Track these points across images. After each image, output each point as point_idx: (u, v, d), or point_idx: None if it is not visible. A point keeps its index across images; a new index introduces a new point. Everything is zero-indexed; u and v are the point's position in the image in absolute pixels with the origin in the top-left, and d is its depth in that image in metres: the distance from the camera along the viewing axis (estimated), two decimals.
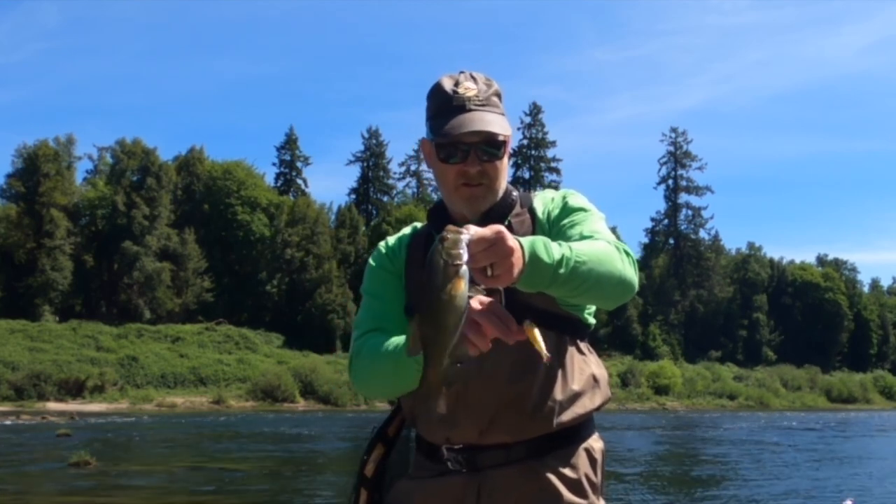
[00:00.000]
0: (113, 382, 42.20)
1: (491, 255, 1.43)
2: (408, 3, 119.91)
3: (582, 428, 1.86)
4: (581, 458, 1.85)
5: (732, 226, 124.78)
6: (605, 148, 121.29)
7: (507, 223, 1.83)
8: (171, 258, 55.31)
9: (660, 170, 79.49)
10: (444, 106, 1.80)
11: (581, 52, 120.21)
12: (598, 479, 1.87)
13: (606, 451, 1.95)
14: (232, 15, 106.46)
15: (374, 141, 73.53)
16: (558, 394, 1.80)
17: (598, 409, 1.88)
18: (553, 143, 74.09)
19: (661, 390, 58.66)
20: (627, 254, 1.70)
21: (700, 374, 63.39)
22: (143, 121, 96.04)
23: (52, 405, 37.63)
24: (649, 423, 33.26)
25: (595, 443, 1.90)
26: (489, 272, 1.44)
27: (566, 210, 1.86)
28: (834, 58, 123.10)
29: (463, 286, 1.41)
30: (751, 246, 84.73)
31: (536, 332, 1.56)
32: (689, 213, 79.34)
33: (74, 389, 40.51)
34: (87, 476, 12.72)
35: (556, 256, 1.53)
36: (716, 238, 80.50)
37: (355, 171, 75.29)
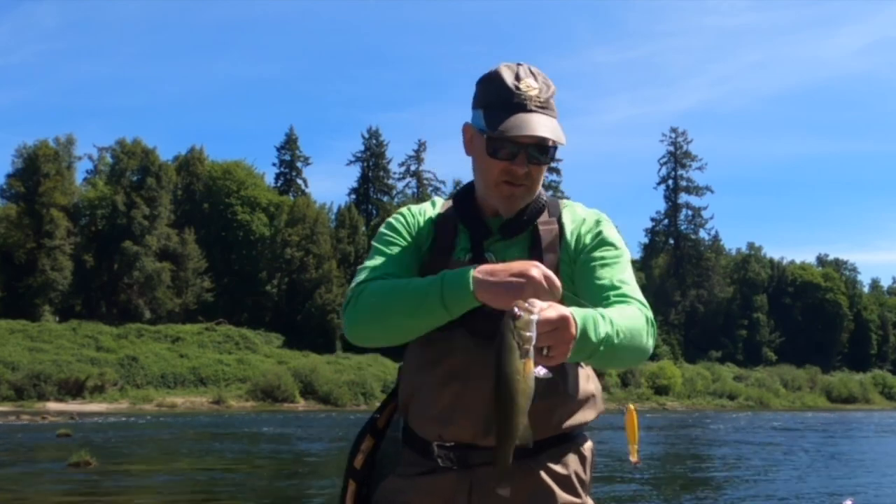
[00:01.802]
0: (113, 382, 42.19)
1: (553, 338, 1.45)
2: (407, 4, 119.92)
3: (573, 431, 1.88)
4: (572, 457, 1.85)
5: (732, 226, 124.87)
6: (605, 148, 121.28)
7: (533, 227, 1.83)
8: (171, 258, 55.31)
9: (660, 170, 79.58)
10: (503, 100, 1.76)
11: (579, 53, 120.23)
12: (587, 477, 1.88)
13: (596, 450, 1.95)
14: (232, 15, 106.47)
15: (374, 141, 73.54)
16: (559, 405, 1.81)
17: (593, 421, 1.91)
18: None
19: (661, 390, 58.65)
20: (653, 324, 1.75)
21: (700, 374, 63.37)
22: (143, 121, 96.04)
23: (52, 405, 37.62)
24: (649, 423, 33.26)
25: (584, 441, 1.91)
26: (545, 352, 1.46)
27: (598, 242, 1.84)
28: (831, 59, 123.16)
29: (531, 367, 1.43)
30: (751, 246, 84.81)
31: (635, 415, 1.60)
32: (689, 213, 79.41)
33: (74, 389, 40.49)
34: (87, 476, 12.72)
35: (602, 335, 1.57)
36: (716, 238, 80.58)
37: (355, 171, 75.25)
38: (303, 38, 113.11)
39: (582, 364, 1.87)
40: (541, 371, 1.46)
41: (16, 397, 38.51)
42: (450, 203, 1.93)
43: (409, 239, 1.87)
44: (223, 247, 58.93)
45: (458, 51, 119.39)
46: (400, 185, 74.79)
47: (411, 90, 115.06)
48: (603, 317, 1.59)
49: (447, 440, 1.79)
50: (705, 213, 79.23)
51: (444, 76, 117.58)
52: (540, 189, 1.88)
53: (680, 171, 78.99)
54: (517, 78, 1.78)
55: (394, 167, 74.30)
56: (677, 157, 78.91)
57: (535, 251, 1.81)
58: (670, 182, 79.30)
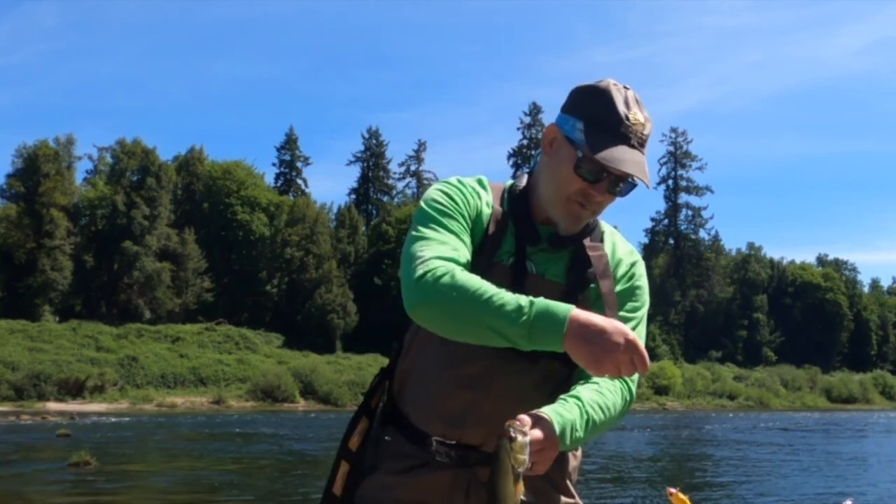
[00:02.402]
0: (113, 382, 42.19)
1: (539, 456, 1.52)
2: (407, 4, 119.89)
3: None
4: (565, 460, 1.86)
5: (732, 226, 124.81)
6: None
7: (581, 245, 1.81)
8: (171, 258, 55.31)
9: (660, 170, 79.53)
10: (610, 125, 1.71)
11: (579, 54, 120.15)
12: (575, 477, 1.92)
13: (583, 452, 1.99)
14: (232, 15, 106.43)
15: (374, 141, 73.56)
16: None
17: None
18: None
19: (661, 390, 58.65)
20: (631, 401, 1.79)
21: (700, 374, 63.35)
22: (143, 121, 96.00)
23: (52, 405, 37.62)
24: (649, 424, 33.26)
25: None
26: (528, 465, 1.51)
27: (629, 291, 1.87)
28: (831, 59, 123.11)
29: (522, 489, 1.48)
30: (751, 246, 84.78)
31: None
32: (689, 213, 79.39)
33: (74, 389, 40.49)
34: (87, 476, 12.72)
35: (575, 438, 1.62)
36: (716, 238, 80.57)
37: (355, 172, 75.30)
38: (303, 38, 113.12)
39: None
40: (521, 498, 1.49)
41: (16, 397, 38.51)
42: (499, 193, 1.84)
43: (467, 219, 1.76)
44: (223, 247, 58.93)
45: (458, 51, 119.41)
46: (400, 185, 74.86)
47: (411, 90, 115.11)
48: (581, 416, 1.63)
49: (451, 439, 1.77)
50: (705, 213, 79.30)
51: (444, 76, 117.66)
52: None
53: (680, 171, 79.04)
54: (627, 106, 1.74)
55: (394, 167, 74.35)
56: (677, 157, 78.92)
57: (577, 272, 1.79)
58: (670, 182, 79.33)
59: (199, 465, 15.04)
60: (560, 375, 1.79)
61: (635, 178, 1.74)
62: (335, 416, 36.76)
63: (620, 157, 1.70)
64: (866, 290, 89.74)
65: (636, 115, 1.75)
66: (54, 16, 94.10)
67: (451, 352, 1.76)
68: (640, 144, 1.74)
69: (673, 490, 1.67)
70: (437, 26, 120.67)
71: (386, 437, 1.85)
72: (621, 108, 1.73)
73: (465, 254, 1.70)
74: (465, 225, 1.75)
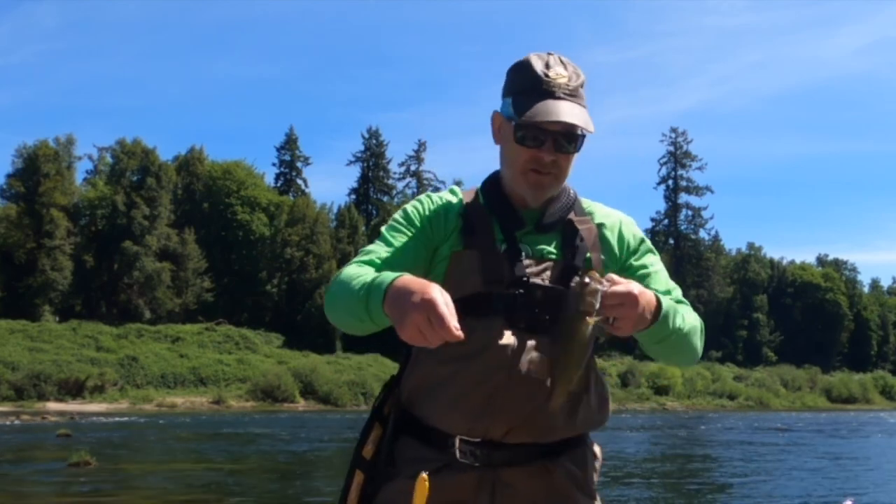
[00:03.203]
0: (113, 382, 42.18)
1: (618, 311, 1.57)
2: (407, 4, 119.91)
3: (591, 431, 1.91)
4: (588, 460, 1.87)
5: (732, 226, 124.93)
6: (605, 149, 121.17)
7: (569, 221, 1.83)
8: (171, 258, 55.31)
9: (660, 170, 79.63)
10: (531, 87, 1.75)
11: (579, 54, 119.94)
12: (597, 478, 1.92)
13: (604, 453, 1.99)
14: (232, 15, 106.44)
15: (374, 141, 73.55)
16: (586, 404, 1.82)
17: (605, 424, 1.92)
18: None
19: (661, 390, 58.65)
20: (703, 330, 1.88)
21: (700, 374, 63.34)
22: (143, 121, 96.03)
23: (52, 405, 37.61)
24: (649, 424, 33.26)
25: (595, 445, 1.93)
26: (611, 321, 1.60)
27: (640, 249, 1.91)
28: (831, 59, 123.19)
29: (592, 331, 1.59)
30: (751, 246, 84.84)
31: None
32: (689, 213, 79.44)
33: (74, 389, 40.49)
34: (87, 476, 12.71)
35: (677, 325, 1.72)
36: (716, 238, 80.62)
37: (355, 172, 75.28)
38: (303, 38, 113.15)
39: (595, 361, 1.88)
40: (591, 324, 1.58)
41: (16, 397, 38.50)
42: (473, 193, 1.89)
43: (421, 230, 1.82)
44: (223, 247, 58.93)
45: (458, 51, 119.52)
46: (400, 185, 74.85)
47: (411, 90, 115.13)
48: (678, 311, 1.73)
49: (475, 436, 1.74)
50: (705, 213, 79.37)
51: (444, 76, 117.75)
52: (568, 185, 1.88)
53: (680, 171, 79.08)
54: (547, 66, 1.76)
55: (394, 167, 74.38)
56: (677, 157, 78.94)
57: (569, 247, 1.81)
58: (670, 182, 79.37)
59: (199, 465, 15.04)
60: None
61: (581, 129, 1.75)
62: (335, 416, 36.76)
63: (546, 110, 1.71)
64: (866, 290, 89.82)
65: (557, 70, 1.76)
66: (54, 16, 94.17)
67: (463, 344, 1.69)
68: (570, 95, 1.74)
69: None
70: (437, 26, 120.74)
71: (403, 444, 1.82)
72: (539, 68, 1.76)
73: (398, 257, 1.77)
74: (414, 233, 1.81)
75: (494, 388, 1.72)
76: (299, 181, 70.88)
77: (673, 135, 79.16)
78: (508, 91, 1.80)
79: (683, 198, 79.28)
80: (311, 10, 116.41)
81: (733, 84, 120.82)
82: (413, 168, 74.44)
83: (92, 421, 29.65)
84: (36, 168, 52.79)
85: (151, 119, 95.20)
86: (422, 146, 74.84)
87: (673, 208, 79.42)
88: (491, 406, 1.73)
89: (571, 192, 1.88)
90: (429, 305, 1.47)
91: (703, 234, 79.81)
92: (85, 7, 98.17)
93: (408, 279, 1.55)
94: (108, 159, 58.70)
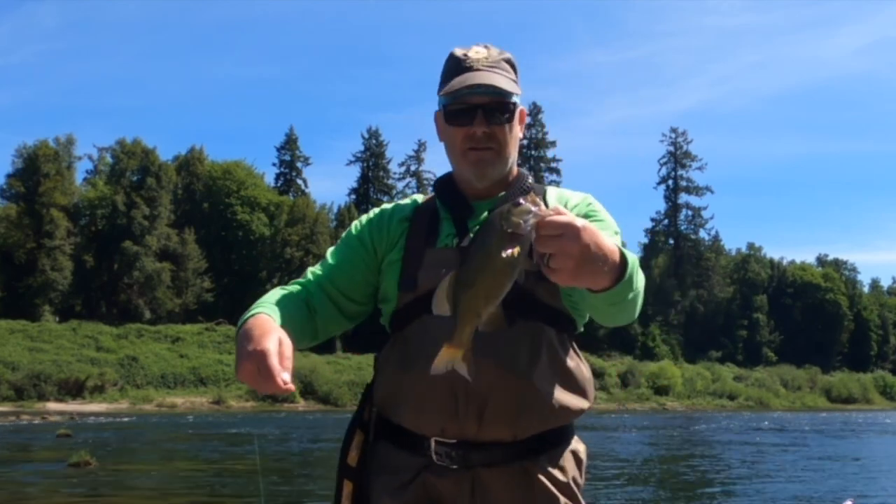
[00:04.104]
0: (113, 382, 42.19)
1: (554, 245, 1.32)
2: (407, 4, 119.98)
3: (568, 429, 1.83)
4: (569, 461, 1.81)
5: (732, 226, 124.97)
6: (605, 148, 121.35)
7: None
8: (171, 258, 55.31)
9: (660, 170, 79.57)
10: (452, 68, 1.77)
11: (579, 54, 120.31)
12: (582, 482, 1.84)
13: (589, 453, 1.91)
14: (232, 15, 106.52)
15: (374, 141, 73.55)
16: (559, 391, 1.75)
17: (586, 411, 1.84)
18: (553, 144, 74.18)
19: (661, 390, 58.62)
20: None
21: (700, 374, 63.35)
22: (143, 121, 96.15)
23: (52, 405, 37.62)
24: (649, 424, 33.26)
25: (579, 445, 1.86)
26: (546, 261, 1.33)
27: (589, 217, 1.81)
28: (831, 59, 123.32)
29: (515, 255, 1.31)
30: (751, 246, 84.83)
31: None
32: (689, 213, 79.40)
33: (74, 389, 40.49)
34: (87, 476, 12.71)
35: (639, 286, 1.54)
36: (716, 238, 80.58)
37: (355, 172, 75.27)
38: (303, 38, 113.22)
39: (574, 347, 1.82)
40: (514, 252, 1.32)
41: (16, 397, 38.51)
42: (432, 195, 1.90)
43: (360, 244, 1.85)
44: (223, 247, 58.93)
45: None
46: (400, 185, 74.81)
47: (411, 90, 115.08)
48: (638, 268, 1.53)
49: (450, 437, 1.72)
50: (705, 213, 79.32)
51: None
52: (522, 171, 1.86)
53: (680, 171, 79.04)
54: (467, 48, 1.80)
55: (394, 167, 74.36)
56: (677, 157, 78.91)
57: None
58: (670, 182, 79.32)
59: (199, 465, 15.03)
60: (550, 337, 1.74)
61: (510, 97, 1.74)
62: (335, 416, 36.77)
63: (462, 79, 1.73)
64: (866, 290, 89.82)
65: (476, 50, 1.78)
66: (54, 16, 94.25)
67: (412, 346, 1.74)
68: (489, 67, 1.75)
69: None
70: (437, 26, 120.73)
71: (384, 449, 1.81)
72: (459, 52, 1.79)
73: (337, 273, 1.83)
74: (355, 247, 1.85)
75: (457, 384, 1.65)
76: (299, 181, 70.92)
77: (673, 135, 79.21)
78: (440, 87, 1.80)
79: (683, 198, 79.33)
80: (311, 10, 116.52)
81: (733, 84, 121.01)
82: (413, 168, 74.48)
83: (92, 421, 29.65)
84: (36, 168, 52.79)
85: (151, 119, 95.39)
86: (422, 146, 74.84)
87: (673, 208, 79.39)
88: (459, 404, 1.69)
89: (529, 179, 1.86)
90: (260, 357, 1.47)
91: (703, 234, 79.90)
92: (85, 7, 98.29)
93: (257, 322, 1.58)
94: (108, 159, 58.73)
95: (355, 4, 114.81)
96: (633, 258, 1.48)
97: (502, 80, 1.73)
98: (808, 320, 78.49)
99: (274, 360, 1.46)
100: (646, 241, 79.43)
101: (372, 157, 73.26)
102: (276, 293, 1.78)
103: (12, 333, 44.83)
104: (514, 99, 1.77)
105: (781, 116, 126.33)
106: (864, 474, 14.75)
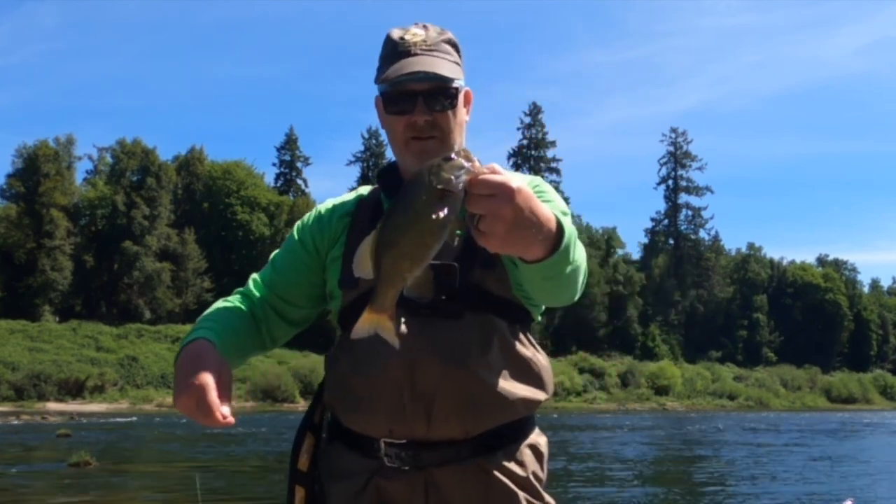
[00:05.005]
0: (113, 382, 42.21)
1: (486, 204, 1.22)
2: (407, 4, 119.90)
3: (526, 423, 1.74)
4: (527, 455, 1.72)
5: (732, 226, 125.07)
6: (605, 148, 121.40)
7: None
8: (171, 258, 55.33)
9: (660, 170, 79.61)
10: (388, 54, 1.67)
11: (578, 54, 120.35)
12: (544, 475, 1.75)
13: (550, 445, 1.82)
14: (232, 15, 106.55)
15: (374, 141, 73.56)
16: (513, 384, 1.66)
17: (543, 402, 1.75)
18: (553, 144, 74.19)
19: (661, 390, 58.65)
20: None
21: (700, 374, 63.37)
22: (143, 121, 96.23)
23: (52, 405, 37.63)
24: (649, 424, 33.25)
25: (539, 437, 1.77)
26: (475, 222, 1.23)
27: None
28: (831, 59, 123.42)
29: (443, 215, 1.19)
30: (751, 246, 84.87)
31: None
32: (689, 213, 79.41)
33: (74, 389, 40.51)
34: (87, 476, 12.71)
35: (577, 258, 1.42)
36: (716, 238, 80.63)
37: (355, 172, 75.20)
38: (303, 38, 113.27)
39: (529, 338, 1.74)
40: (444, 212, 1.20)
41: (16, 397, 38.53)
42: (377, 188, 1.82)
43: (301, 245, 1.80)
44: (223, 247, 58.94)
45: None
46: None
47: None
48: (576, 239, 1.42)
49: (399, 437, 1.64)
50: (705, 214, 79.37)
51: None
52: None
53: (680, 171, 79.05)
54: (403, 30, 1.71)
55: None
56: (677, 157, 78.92)
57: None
58: (670, 182, 79.33)
59: (199, 465, 15.03)
60: (501, 329, 1.67)
61: (451, 82, 1.65)
62: None
63: (400, 66, 1.64)
64: (866, 290, 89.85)
65: (412, 31, 1.70)
66: (54, 16, 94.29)
67: (361, 347, 1.60)
68: (428, 51, 1.67)
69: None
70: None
71: (336, 452, 1.76)
72: (395, 34, 1.70)
73: (279, 275, 1.81)
74: (295, 253, 1.81)
75: (405, 380, 1.61)
76: (299, 181, 70.95)
77: (673, 135, 79.23)
78: (378, 73, 1.70)
79: (683, 198, 79.35)
80: (311, 10, 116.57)
81: (733, 84, 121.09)
82: None
83: (92, 421, 29.65)
84: (36, 168, 52.81)
85: (151, 119, 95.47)
86: None
87: (673, 208, 79.39)
88: (406, 401, 1.62)
89: None
90: (199, 392, 1.45)
91: (703, 234, 79.94)
92: (85, 7, 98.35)
93: (196, 349, 1.55)
94: (108, 159, 58.75)
95: (355, 4, 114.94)
96: (572, 229, 1.38)
97: (443, 65, 1.65)
98: (808, 320, 78.51)
99: (212, 395, 1.44)
100: (646, 241, 79.55)
101: (372, 157, 73.27)
102: (219, 308, 1.76)
103: (12, 333, 44.85)
104: (457, 84, 1.68)
105: (781, 116, 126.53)
106: (864, 474, 14.74)
